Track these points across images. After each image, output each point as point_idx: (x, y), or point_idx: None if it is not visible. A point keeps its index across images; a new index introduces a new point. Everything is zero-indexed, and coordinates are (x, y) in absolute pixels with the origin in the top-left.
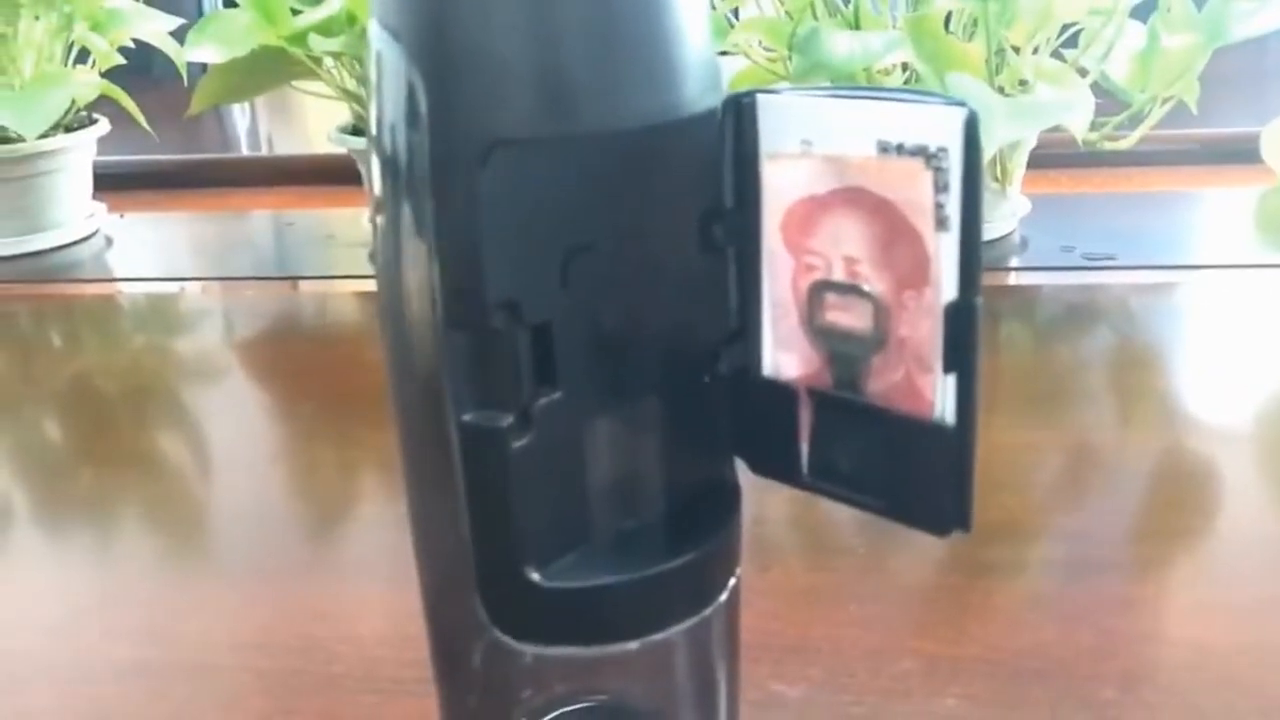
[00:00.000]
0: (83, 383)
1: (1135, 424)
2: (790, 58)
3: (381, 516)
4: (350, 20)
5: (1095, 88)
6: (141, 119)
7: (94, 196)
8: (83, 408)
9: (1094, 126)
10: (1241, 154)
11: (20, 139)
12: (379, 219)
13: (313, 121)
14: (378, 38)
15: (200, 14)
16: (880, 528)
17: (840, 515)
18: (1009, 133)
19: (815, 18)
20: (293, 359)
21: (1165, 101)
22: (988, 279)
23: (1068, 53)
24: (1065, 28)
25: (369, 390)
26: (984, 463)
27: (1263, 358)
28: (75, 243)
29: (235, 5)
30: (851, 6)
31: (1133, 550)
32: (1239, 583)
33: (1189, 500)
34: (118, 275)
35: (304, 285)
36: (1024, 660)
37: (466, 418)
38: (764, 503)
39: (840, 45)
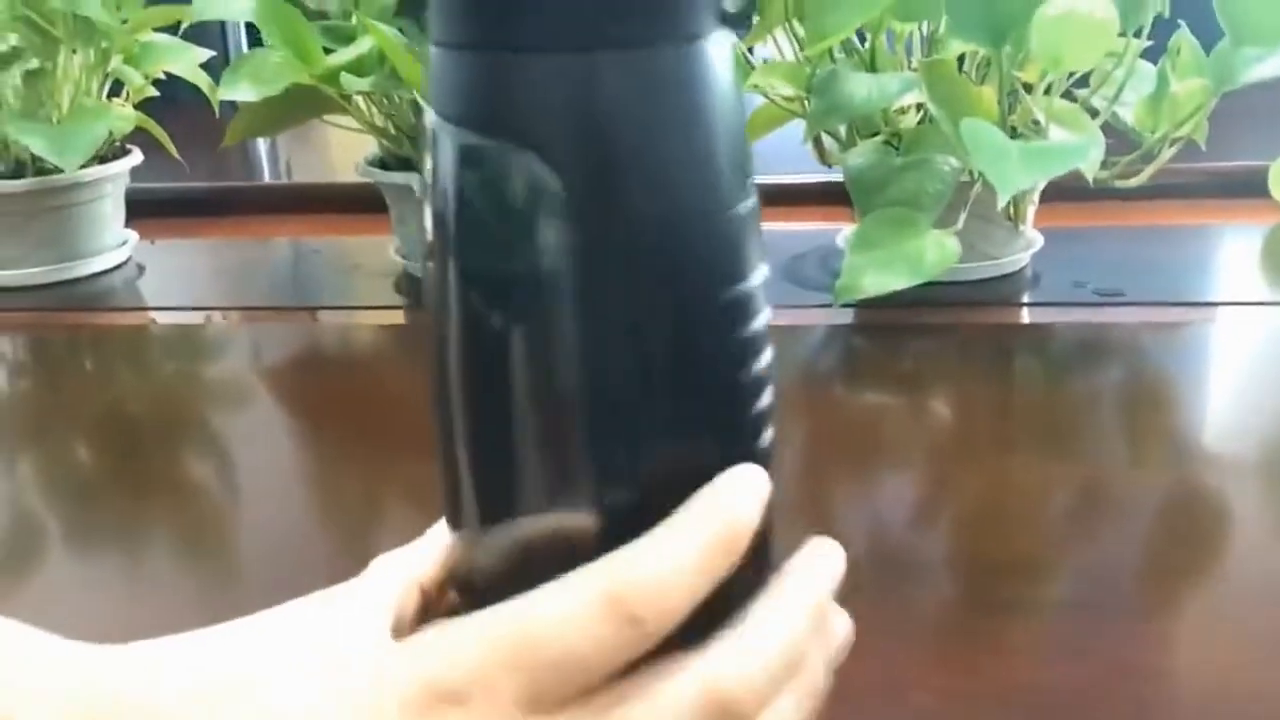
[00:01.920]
0: (113, 410)
1: (1147, 462)
2: (808, 99)
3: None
4: (380, 60)
5: (1106, 127)
6: (174, 150)
7: (126, 223)
8: (113, 435)
9: (1105, 165)
10: (1251, 188)
11: (58, 170)
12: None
13: (335, 149)
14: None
15: (224, 40)
16: (895, 564)
17: (854, 550)
18: (1023, 180)
19: (833, 58)
20: (318, 389)
21: (1175, 142)
22: (1002, 314)
23: (1079, 92)
24: None
25: (395, 422)
26: (997, 500)
27: (1272, 394)
28: (109, 270)
29: (257, 30)
30: (868, 46)
31: (1144, 587)
32: (1250, 619)
33: (1200, 538)
34: (150, 304)
35: (329, 315)
36: (1036, 696)
37: None
38: (780, 537)
39: (858, 88)
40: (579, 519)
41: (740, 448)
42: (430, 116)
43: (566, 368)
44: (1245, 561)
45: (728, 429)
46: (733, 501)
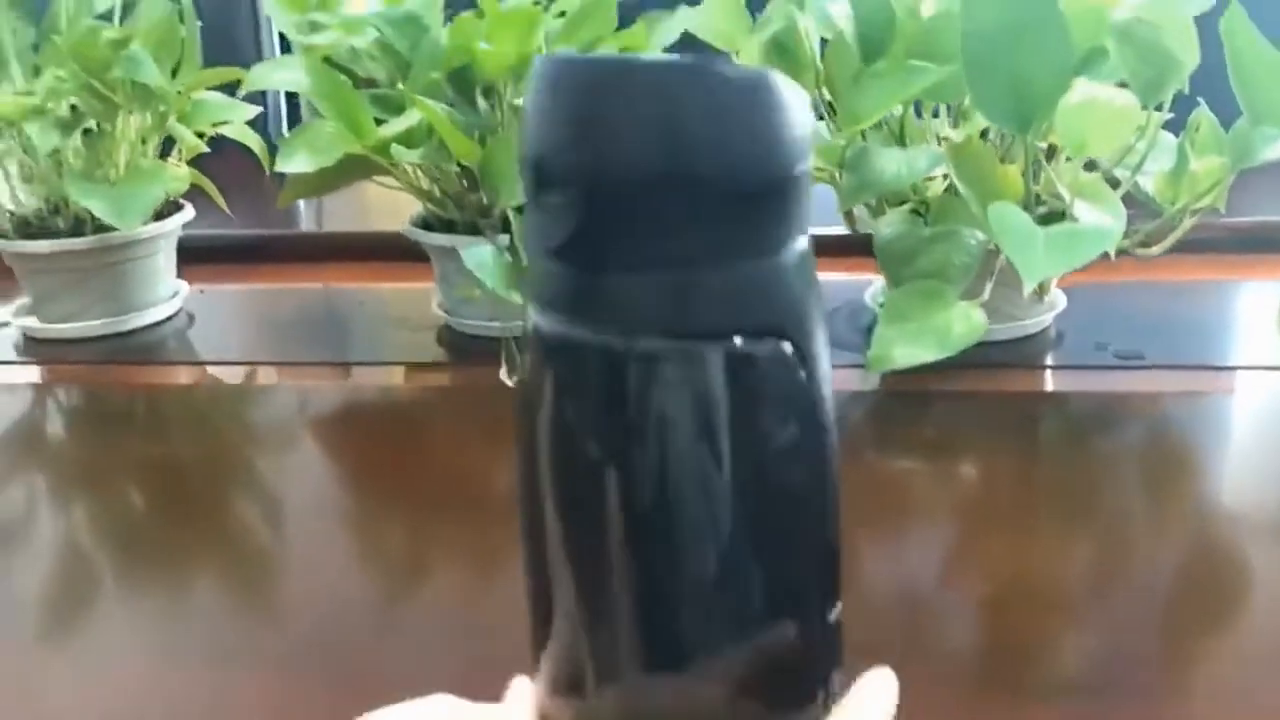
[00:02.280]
0: (164, 461)
1: (1167, 534)
2: (840, 174)
3: (453, 611)
4: (429, 132)
5: (1128, 196)
6: (223, 204)
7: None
8: (163, 485)
9: (1127, 234)
10: (1271, 244)
11: (114, 229)
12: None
13: (375, 195)
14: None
15: (259, 58)
16: (923, 647)
17: (887, 633)
18: (1048, 270)
19: (863, 136)
20: (361, 444)
21: (1195, 213)
22: (1025, 379)
23: (1102, 162)
24: None
25: (436, 477)
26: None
27: None
28: (161, 322)
29: (289, 51)
30: (898, 118)
31: (1164, 666)
32: (1274, 698)
33: (1222, 612)
34: (200, 356)
35: (373, 370)
36: None
37: None
38: None
39: (888, 164)
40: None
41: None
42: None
43: (690, 561)
44: (1268, 637)
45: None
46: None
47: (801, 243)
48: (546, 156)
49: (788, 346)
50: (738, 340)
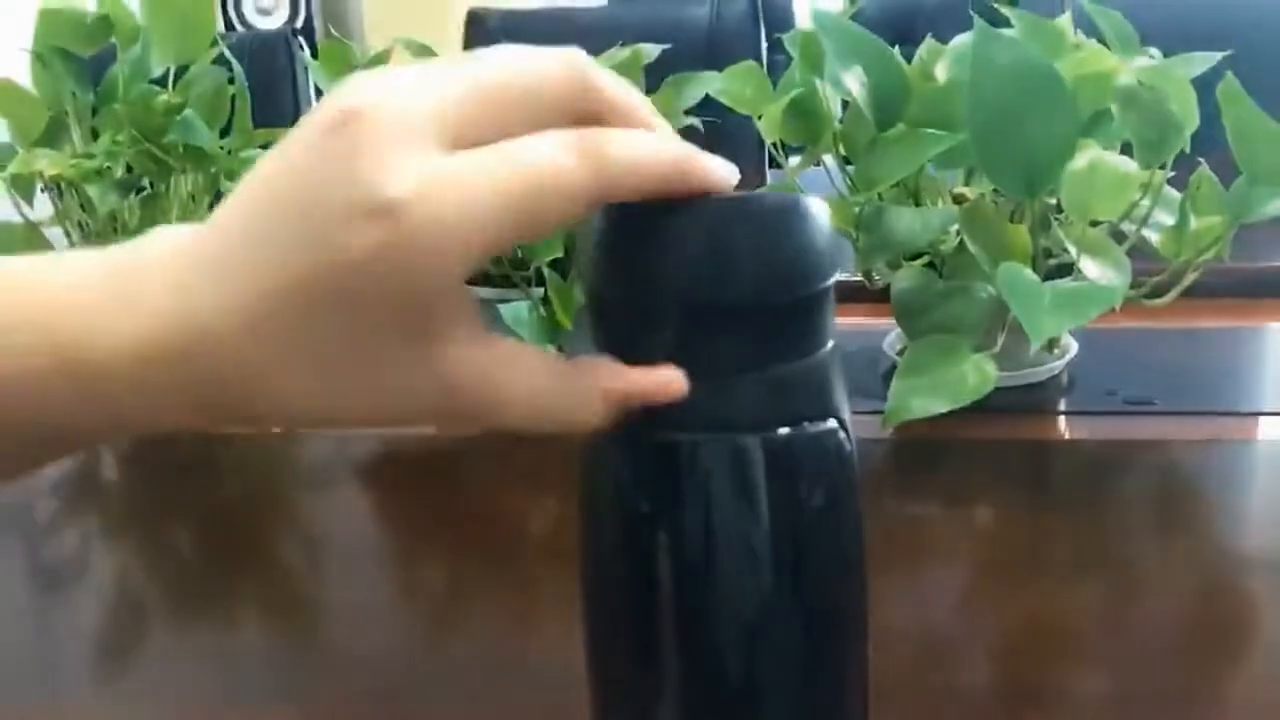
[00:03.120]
0: (208, 506)
1: (1180, 582)
2: (857, 235)
3: (494, 653)
4: None
5: (1133, 249)
6: None
7: None
8: (207, 531)
9: (1133, 285)
10: (1277, 288)
11: None
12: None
13: None
14: None
15: (298, 114)
16: (938, 690)
17: (904, 676)
18: (1054, 328)
19: (880, 196)
20: (401, 488)
21: (1198, 267)
22: (1037, 426)
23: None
24: None
25: (474, 518)
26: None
27: None
28: None
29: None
30: (913, 177)
31: (1168, 711)
32: None
33: (1235, 664)
34: None
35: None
36: None
37: None
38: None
39: (903, 224)
40: None
41: None
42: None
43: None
44: (1277, 682)
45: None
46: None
47: (829, 344)
48: (606, 289)
49: (832, 423)
50: (782, 430)
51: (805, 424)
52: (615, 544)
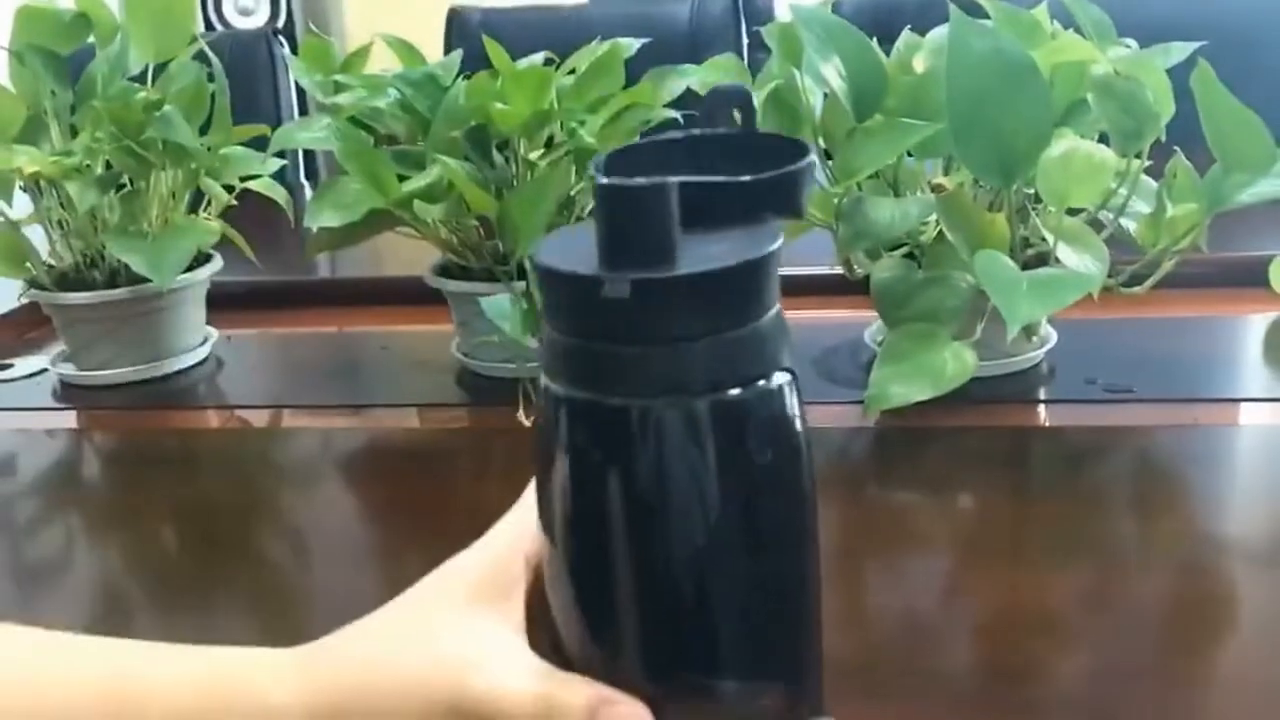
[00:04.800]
0: (193, 502)
1: (1157, 564)
2: (836, 225)
3: None
4: (450, 187)
5: (1111, 237)
6: (252, 255)
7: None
8: (193, 529)
9: (1110, 273)
10: (1254, 277)
11: (147, 280)
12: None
13: (392, 247)
14: None
15: (278, 112)
16: (922, 670)
17: (889, 657)
18: (1031, 313)
19: (859, 186)
20: (384, 486)
21: (1175, 254)
22: (1017, 414)
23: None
24: None
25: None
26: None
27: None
28: (192, 368)
29: (306, 105)
30: (891, 168)
31: (1140, 692)
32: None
33: (1198, 645)
34: (228, 400)
35: (395, 413)
36: None
37: None
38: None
39: (882, 214)
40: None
41: None
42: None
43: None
44: (1251, 660)
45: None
46: None
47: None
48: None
49: (781, 376)
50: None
51: (757, 383)
52: (569, 501)
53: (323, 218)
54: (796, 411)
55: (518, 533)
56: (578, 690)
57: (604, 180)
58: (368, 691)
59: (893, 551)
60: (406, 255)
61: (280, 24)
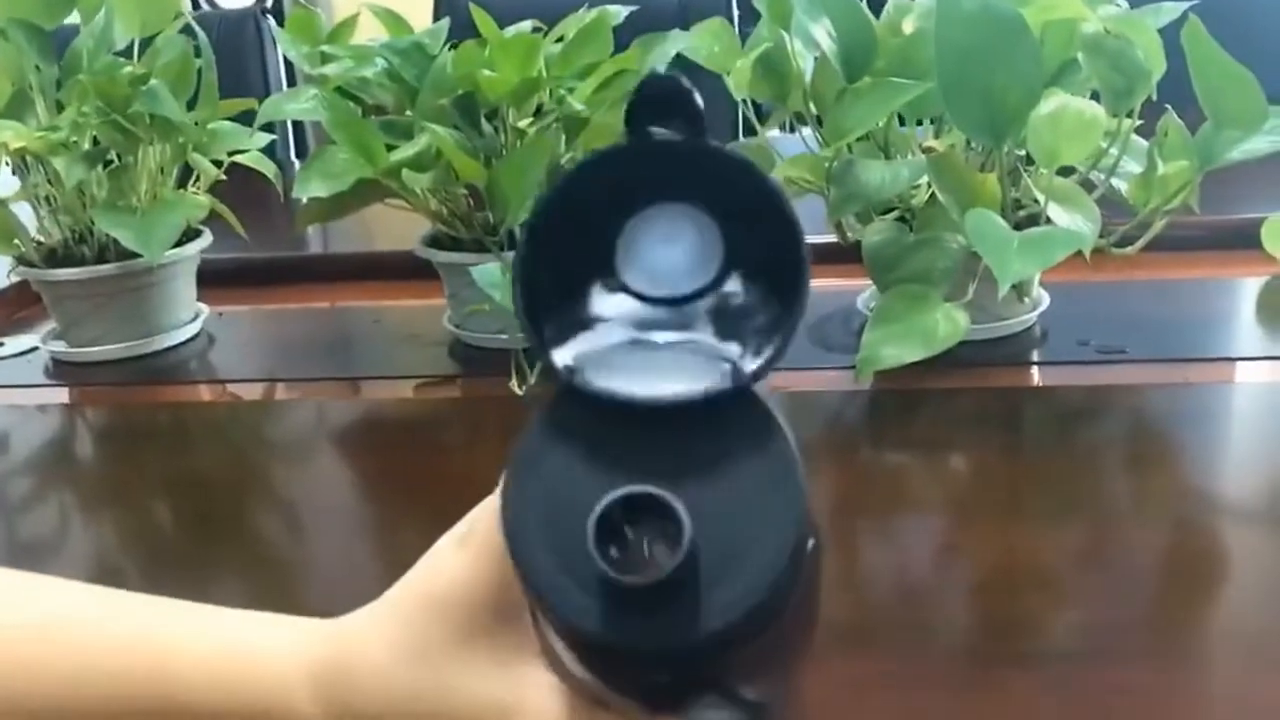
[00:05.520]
0: (187, 475)
1: (1144, 524)
2: (828, 188)
3: None
4: (437, 155)
5: (1103, 198)
6: (242, 230)
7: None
8: (186, 498)
9: (1103, 233)
10: (1246, 240)
11: (137, 256)
12: None
13: (383, 221)
14: None
15: (267, 85)
16: (917, 625)
17: (872, 605)
18: (1022, 270)
19: (849, 148)
20: (377, 458)
21: (1167, 213)
22: (1011, 375)
23: (1079, 166)
24: None
25: (450, 485)
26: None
27: (1267, 451)
28: (183, 344)
29: (294, 78)
30: (882, 131)
31: (1130, 642)
32: (1222, 670)
33: (1189, 597)
34: (220, 375)
35: (387, 385)
36: None
37: None
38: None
39: (873, 176)
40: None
41: None
42: None
43: None
44: (1237, 609)
45: None
46: None
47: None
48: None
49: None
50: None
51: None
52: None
53: (311, 187)
54: None
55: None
56: None
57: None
58: None
59: (887, 512)
60: (399, 231)
61: (269, 3)
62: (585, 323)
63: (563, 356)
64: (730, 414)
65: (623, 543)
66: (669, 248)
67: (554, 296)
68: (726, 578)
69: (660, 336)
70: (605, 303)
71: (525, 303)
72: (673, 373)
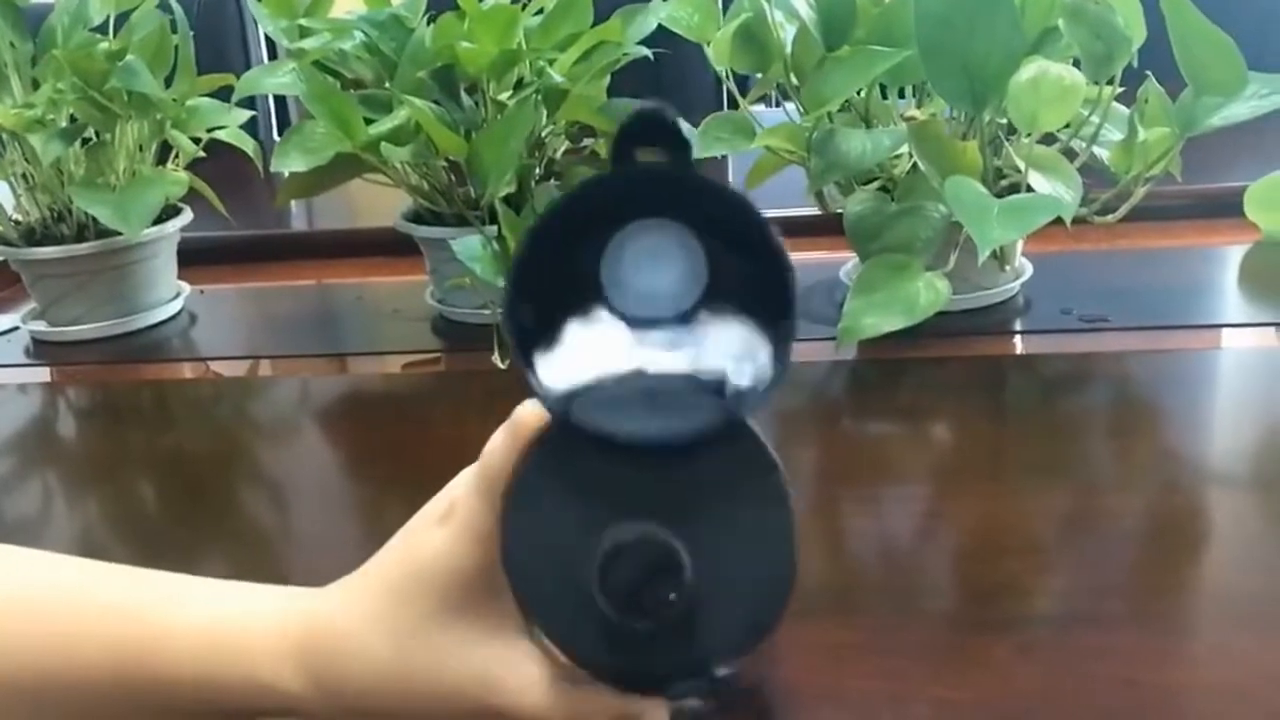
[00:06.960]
0: (171, 453)
1: (1127, 489)
2: (809, 158)
3: None
4: (417, 129)
5: (1084, 166)
6: (223, 208)
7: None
8: (170, 476)
9: (1084, 202)
10: (1228, 208)
11: (117, 233)
12: None
13: (364, 198)
14: None
15: (247, 62)
16: (898, 591)
17: (856, 573)
18: (1002, 236)
19: (830, 117)
20: (361, 433)
21: (1148, 180)
22: (994, 344)
23: (1060, 134)
24: None
25: (435, 460)
26: (990, 526)
27: (1249, 416)
28: (164, 322)
29: (276, 55)
30: (862, 97)
31: (1112, 606)
32: (1204, 632)
33: (1171, 561)
34: (203, 353)
35: (371, 360)
36: (1015, 702)
37: None
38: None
39: (854, 145)
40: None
41: None
42: None
43: None
44: (1217, 573)
45: None
46: None
47: None
48: None
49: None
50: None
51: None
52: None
53: (289, 160)
54: None
55: (485, 513)
56: (598, 704)
57: None
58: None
59: (870, 481)
60: (382, 207)
61: None
62: (578, 351)
63: (557, 388)
64: (724, 447)
65: (623, 577)
66: (655, 272)
67: (545, 324)
68: (723, 609)
69: (652, 362)
70: (595, 329)
71: (518, 337)
72: (667, 408)
